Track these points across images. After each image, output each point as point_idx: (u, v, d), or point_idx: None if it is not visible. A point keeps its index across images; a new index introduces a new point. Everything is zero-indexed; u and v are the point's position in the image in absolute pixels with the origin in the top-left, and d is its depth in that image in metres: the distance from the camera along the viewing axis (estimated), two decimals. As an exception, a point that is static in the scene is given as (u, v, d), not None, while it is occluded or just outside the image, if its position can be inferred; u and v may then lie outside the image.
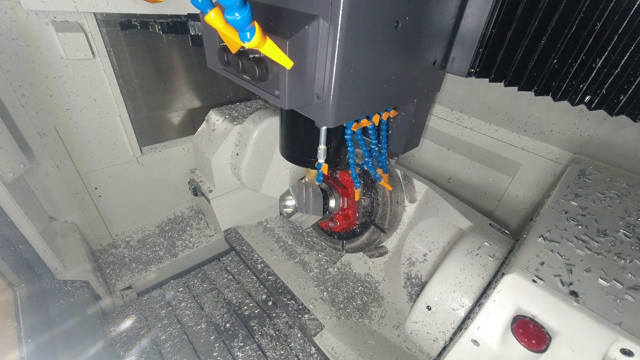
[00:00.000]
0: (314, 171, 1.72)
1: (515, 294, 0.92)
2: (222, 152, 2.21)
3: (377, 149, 1.65)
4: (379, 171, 1.78)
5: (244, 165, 2.13)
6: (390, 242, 2.15)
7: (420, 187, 2.00)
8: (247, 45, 0.92)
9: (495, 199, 2.14)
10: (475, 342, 1.01)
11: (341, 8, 0.85)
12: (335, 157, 1.61)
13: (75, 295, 1.89)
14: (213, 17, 0.92)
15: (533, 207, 1.96)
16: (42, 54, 1.68)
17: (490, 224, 1.64)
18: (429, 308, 1.37)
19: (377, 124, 1.49)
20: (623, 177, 1.39)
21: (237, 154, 2.18)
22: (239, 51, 1.10)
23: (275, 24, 0.98)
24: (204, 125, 2.39)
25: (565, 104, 1.30)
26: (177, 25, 1.97)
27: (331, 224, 2.03)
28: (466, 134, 2.13)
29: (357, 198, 1.86)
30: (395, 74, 1.18)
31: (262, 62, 1.01)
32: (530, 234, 1.06)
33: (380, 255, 2.16)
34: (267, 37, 0.96)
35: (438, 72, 1.38)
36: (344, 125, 1.41)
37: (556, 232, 1.05)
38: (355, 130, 1.44)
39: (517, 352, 0.90)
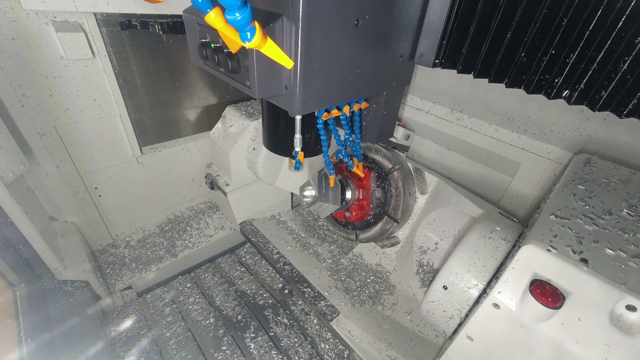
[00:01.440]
0: (293, 161, 1.78)
1: (532, 261, 1.02)
2: (240, 147, 2.26)
3: (351, 139, 1.72)
4: (354, 160, 1.87)
5: (261, 160, 2.18)
6: (401, 233, 2.23)
7: (431, 179, 2.07)
8: (248, 45, 0.92)
9: (496, 199, 2.14)
10: (496, 305, 1.11)
11: (300, 8, 0.94)
12: (312, 146, 1.73)
13: (75, 295, 1.89)
14: (213, 17, 0.92)
15: (533, 206, 1.96)
16: (42, 54, 1.68)
17: (500, 212, 1.70)
18: (445, 287, 1.47)
19: (348, 115, 1.55)
20: (625, 167, 1.46)
21: (254, 149, 2.22)
22: (216, 47, 1.19)
23: None
24: (220, 121, 2.44)
25: (565, 104, 1.30)
26: (177, 25, 1.98)
27: (347, 214, 2.13)
28: (466, 134, 2.13)
29: (332, 184, 1.94)
30: (360, 68, 1.25)
31: (235, 56, 1.10)
32: (543, 212, 1.15)
33: (392, 245, 2.25)
34: (268, 37, 0.97)
35: (406, 66, 1.46)
36: (316, 115, 1.49)
37: (566, 211, 1.14)
38: (325, 119, 1.50)
39: (534, 310, 1.00)
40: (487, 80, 1.39)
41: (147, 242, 2.49)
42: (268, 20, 1.00)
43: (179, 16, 2.00)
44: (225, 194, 2.42)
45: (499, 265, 1.37)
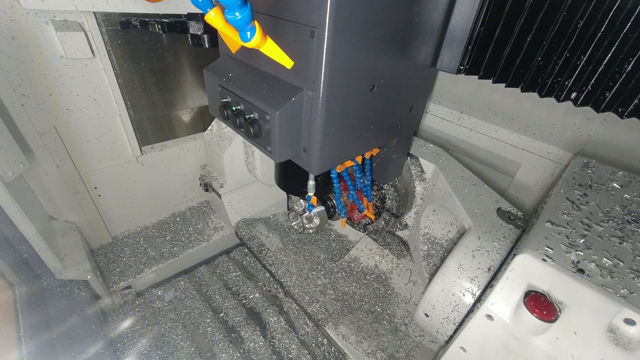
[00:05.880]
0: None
1: (527, 272, 0.99)
2: (234, 149, 2.24)
3: (362, 181, 1.77)
4: (364, 202, 1.90)
5: (258, 161, 2.18)
6: (409, 217, 2.14)
7: (428, 166, 1.95)
8: (248, 44, 0.92)
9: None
10: (489, 316, 1.08)
11: (322, 84, 1.02)
12: (324, 189, 1.77)
13: (75, 294, 1.89)
14: (213, 17, 0.92)
15: (532, 208, 1.96)
16: (42, 53, 1.67)
17: (497, 215, 1.65)
18: (442, 290, 1.44)
19: (360, 163, 1.62)
20: (624, 170, 1.43)
21: (250, 149, 2.23)
22: (237, 110, 1.23)
23: (267, 92, 1.13)
24: (215, 122, 2.42)
25: (565, 104, 1.31)
26: (177, 25, 1.97)
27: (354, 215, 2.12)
28: (466, 134, 2.13)
29: (343, 226, 2.02)
30: (374, 124, 1.32)
31: (256, 122, 1.16)
32: (539, 219, 1.12)
33: (403, 228, 2.21)
34: (267, 37, 0.96)
35: (415, 115, 1.54)
36: None
37: (563, 218, 1.11)
38: (339, 171, 1.58)
39: (529, 323, 0.96)
40: (503, 85, 1.39)
41: (146, 242, 2.48)
42: (291, 93, 1.07)
43: (179, 16, 1.99)
44: (219, 195, 2.39)
45: (498, 267, 1.35)
